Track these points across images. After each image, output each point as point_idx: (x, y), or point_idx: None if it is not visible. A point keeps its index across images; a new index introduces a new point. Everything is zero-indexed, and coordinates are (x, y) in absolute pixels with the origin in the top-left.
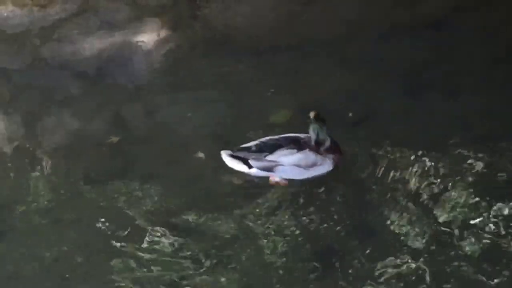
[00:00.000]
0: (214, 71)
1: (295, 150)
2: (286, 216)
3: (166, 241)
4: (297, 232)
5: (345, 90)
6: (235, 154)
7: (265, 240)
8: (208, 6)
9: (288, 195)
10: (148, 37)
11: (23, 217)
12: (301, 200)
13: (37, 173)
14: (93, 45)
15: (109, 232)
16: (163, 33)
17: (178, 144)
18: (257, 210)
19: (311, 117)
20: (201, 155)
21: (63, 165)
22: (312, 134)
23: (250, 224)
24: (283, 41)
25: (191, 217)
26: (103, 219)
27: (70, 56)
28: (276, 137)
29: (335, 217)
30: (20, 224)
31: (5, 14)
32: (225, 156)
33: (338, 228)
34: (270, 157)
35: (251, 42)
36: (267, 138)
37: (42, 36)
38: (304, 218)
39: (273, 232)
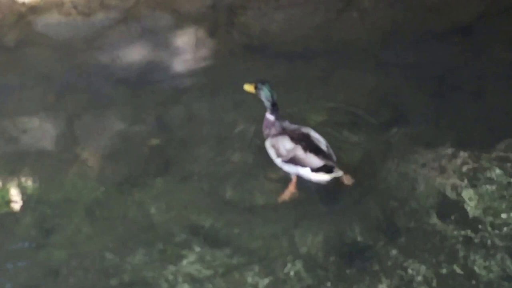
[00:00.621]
0: (250, 75)
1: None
2: None
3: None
4: None
5: (378, 93)
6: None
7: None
8: (245, 13)
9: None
10: (188, 43)
11: (70, 215)
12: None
13: (80, 173)
14: (135, 51)
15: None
16: (202, 39)
17: (217, 145)
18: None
19: (264, 86)
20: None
21: (107, 166)
22: (267, 100)
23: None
24: (318, 47)
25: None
26: (143, 219)
27: (112, 62)
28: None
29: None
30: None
31: (51, 22)
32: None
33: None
34: None
35: (286, 47)
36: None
37: (85, 43)
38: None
39: None
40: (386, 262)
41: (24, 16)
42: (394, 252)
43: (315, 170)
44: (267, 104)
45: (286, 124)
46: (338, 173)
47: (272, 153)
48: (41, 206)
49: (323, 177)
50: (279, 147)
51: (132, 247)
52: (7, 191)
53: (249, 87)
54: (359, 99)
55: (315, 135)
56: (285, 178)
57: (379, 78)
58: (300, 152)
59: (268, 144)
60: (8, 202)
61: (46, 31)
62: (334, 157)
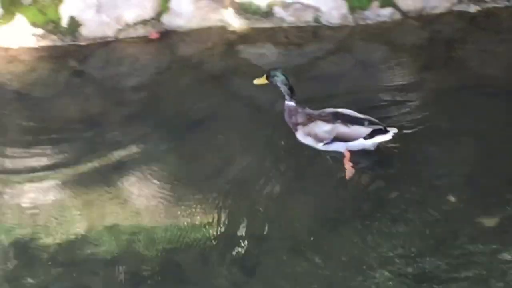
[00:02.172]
0: (467, 111)
1: None
2: None
3: None
4: None
5: None
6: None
7: None
8: (463, 47)
9: None
10: (402, 76)
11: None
12: None
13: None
14: (346, 82)
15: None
16: (417, 72)
17: (427, 186)
18: None
19: (277, 71)
20: (452, 198)
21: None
22: (283, 84)
23: None
24: None
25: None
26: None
27: (326, 92)
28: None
29: None
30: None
31: (261, 51)
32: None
33: None
34: None
35: (508, 85)
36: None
37: (297, 73)
38: None
39: None
40: None
41: (233, 44)
42: None
43: (369, 137)
44: (284, 89)
45: (308, 110)
46: (393, 129)
47: (310, 141)
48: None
49: (383, 139)
50: (317, 133)
51: None
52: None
53: (260, 80)
54: None
55: (343, 110)
56: None
57: None
58: (342, 128)
59: (301, 135)
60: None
61: (255, 60)
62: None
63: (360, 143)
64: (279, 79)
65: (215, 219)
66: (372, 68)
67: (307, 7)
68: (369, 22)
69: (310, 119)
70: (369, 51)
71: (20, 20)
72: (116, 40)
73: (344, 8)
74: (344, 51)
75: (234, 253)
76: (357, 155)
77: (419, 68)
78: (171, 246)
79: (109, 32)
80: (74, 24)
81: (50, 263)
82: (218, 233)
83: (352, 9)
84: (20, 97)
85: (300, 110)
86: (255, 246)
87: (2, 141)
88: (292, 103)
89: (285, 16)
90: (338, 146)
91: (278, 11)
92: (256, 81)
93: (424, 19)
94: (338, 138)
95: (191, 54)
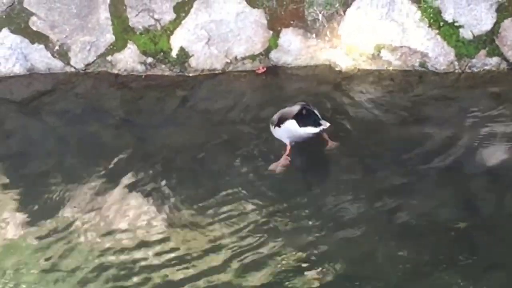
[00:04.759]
0: None
1: None
2: None
3: None
4: None
5: None
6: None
7: None
8: None
9: None
10: (505, 127)
11: None
12: None
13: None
14: (449, 130)
15: None
16: None
17: None
18: None
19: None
20: None
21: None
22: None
23: None
24: None
25: None
26: None
27: (425, 139)
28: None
29: None
30: None
31: (366, 93)
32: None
33: None
34: None
35: None
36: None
37: (400, 116)
38: None
39: None
40: None
41: (339, 84)
42: None
43: (301, 123)
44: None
45: None
46: (325, 124)
47: (271, 129)
48: None
49: (311, 130)
50: (272, 119)
51: None
52: None
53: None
54: None
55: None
56: None
57: None
58: (284, 110)
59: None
60: None
61: (360, 101)
62: (317, 112)
63: (294, 127)
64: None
65: None
66: (475, 116)
67: (414, 51)
68: (475, 70)
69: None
70: (474, 99)
71: (131, 48)
72: (223, 73)
73: (451, 55)
74: (449, 98)
75: None
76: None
77: None
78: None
79: (217, 64)
80: (184, 55)
81: None
82: None
83: (459, 56)
84: (125, 123)
85: None
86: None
87: (104, 164)
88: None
89: (392, 60)
90: (282, 131)
91: (385, 54)
92: None
93: None
94: (281, 120)
95: (297, 91)
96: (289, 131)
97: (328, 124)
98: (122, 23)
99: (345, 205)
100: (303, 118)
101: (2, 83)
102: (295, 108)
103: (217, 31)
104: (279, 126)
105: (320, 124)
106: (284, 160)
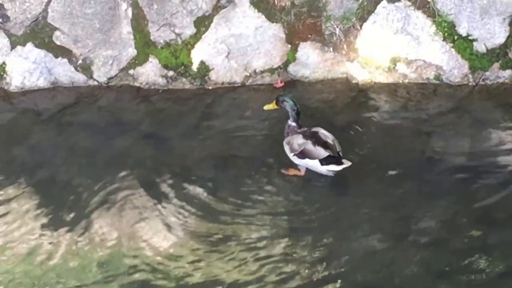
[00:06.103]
0: None
1: None
2: None
3: None
4: None
5: None
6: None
7: None
8: None
9: None
10: None
11: None
12: None
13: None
14: (462, 141)
15: None
16: None
17: None
18: None
19: (286, 97)
20: None
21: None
22: (292, 109)
23: None
24: None
25: None
26: None
27: (441, 150)
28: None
29: None
30: None
31: (382, 105)
32: None
33: None
34: None
35: None
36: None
37: (414, 128)
38: None
39: None
40: None
41: (356, 97)
42: None
43: (324, 161)
44: (292, 113)
45: (302, 129)
46: (346, 163)
47: (287, 149)
48: None
49: (333, 168)
50: (293, 143)
51: None
52: None
53: (270, 106)
54: None
55: (323, 132)
56: None
57: None
58: (309, 146)
59: (284, 142)
60: None
61: (375, 114)
62: (339, 148)
63: (316, 165)
64: (289, 104)
65: None
66: (489, 128)
67: (429, 65)
68: (488, 82)
69: (296, 132)
70: (487, 111)
71: (153, 62)
72: (243, 86)
73: (465, 68)
74: (463, 110)
75: None
76: None
77: None
78: None
79: (237, 78)
80: (204, 68)
81: None
82: None
83: (473, 69)
84: (146, 136)
85: (296, 129)
86: None
87: (127, 175)
88: (293, 124)
89: (408, 72)
90: (301, 162)
91: (401, 67)
92: (266, 107)
93: None
94: (303, 153)
95: (315, 104)
96: (309, 166)
97: (349, 163)
98: (143, 37)
99: (364, 216)
100: (327, 158)
101: (26, 96)
102: (321, 152)
103: (236, 45)
104: (300, 158)
105: (342, 163)
106: (298, 172)
